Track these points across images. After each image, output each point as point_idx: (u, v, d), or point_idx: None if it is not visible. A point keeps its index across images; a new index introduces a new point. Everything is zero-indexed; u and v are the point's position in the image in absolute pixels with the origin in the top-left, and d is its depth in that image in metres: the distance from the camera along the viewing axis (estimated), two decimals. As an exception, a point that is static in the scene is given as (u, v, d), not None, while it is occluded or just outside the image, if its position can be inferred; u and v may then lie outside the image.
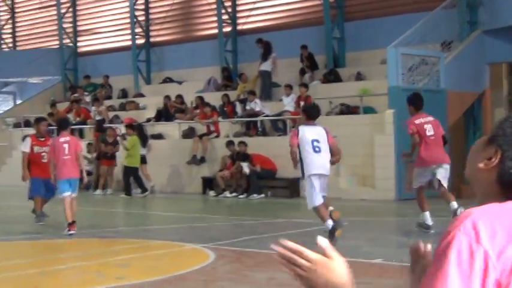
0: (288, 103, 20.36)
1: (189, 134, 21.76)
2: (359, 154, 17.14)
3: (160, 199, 19.57)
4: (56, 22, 31.25)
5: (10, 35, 33.85)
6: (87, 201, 19.36)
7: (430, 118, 11.19)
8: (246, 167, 18.47)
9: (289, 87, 20.65)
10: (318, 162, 10.25)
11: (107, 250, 10.10)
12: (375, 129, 17.52)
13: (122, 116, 24.71)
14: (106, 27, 30.06)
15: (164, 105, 23.26)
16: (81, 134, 24.22)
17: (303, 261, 1.81)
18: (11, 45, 33.80)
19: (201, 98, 22.34)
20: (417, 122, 11.02)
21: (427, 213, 10.89)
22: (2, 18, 33.79)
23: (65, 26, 30.91)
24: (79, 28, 31.05)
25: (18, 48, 33.47)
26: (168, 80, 26.89)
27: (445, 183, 10.92)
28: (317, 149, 10.32)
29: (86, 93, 27.38)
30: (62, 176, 11.80)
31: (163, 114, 23.07)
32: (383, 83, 18.07)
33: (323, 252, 1.82)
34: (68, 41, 31.02)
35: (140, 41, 28.28)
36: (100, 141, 21.83)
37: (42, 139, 13.33)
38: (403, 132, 12.67)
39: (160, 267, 8.64)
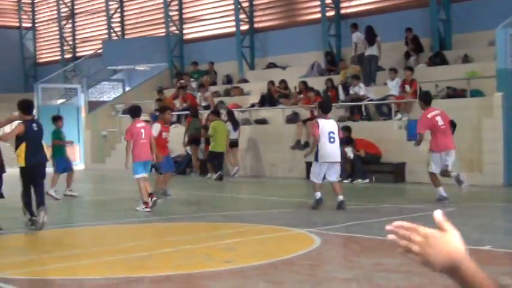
0: (393, 87, 20.09)
1: (292, 119, 21.83)
2: (466, 138, 16.74)
3: (263, 184, 19.75)
4: (163, 10, 31.91)
5: (119, 24, 34.79)
6: (190, 185, 19.77)
7: (438, 111, 13.47)
8: (350, 152, 18.38)
9: (393, 71, 20.37)
10: (333, 152, 12.47)
11: (214, 234, 10.30)
12: (483, 113, 17.08)
13: (226, 101, 25.03)
14: (211, 14, 30.45)
15: (268, 90, 23.41)
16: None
17: (418, 237, 1.80)
18: (119, 33, 34.76)
19: (304, 83, 22.35)
20: (429, 115, 13.24)
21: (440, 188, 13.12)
22: (111, 7, 34.76)
23: (171, 14, 31.52)
24: (185, 16, 31.59)
25: (126, 37, 34.39)
26: (271, 65, 27.01)
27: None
28: (332, 139, 12.44)
29: (192, 79, 27.87)
30: (139, 159, 12.99)
31: (267, 100, 23.22)
32: (491, 65, 17.58)
33: (438, 226, 1.81)
34: (174, 28, 31.63)
35: (244, 27, 28.51)
36: (192, 127, 22.27)
37: (167, 125, 15.03)
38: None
39: (267, 251, 8.74)
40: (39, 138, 11.05)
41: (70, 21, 37.59)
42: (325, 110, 12.91)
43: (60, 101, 32.30)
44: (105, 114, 29.59)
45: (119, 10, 34.61)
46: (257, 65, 28.30)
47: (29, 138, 10.74)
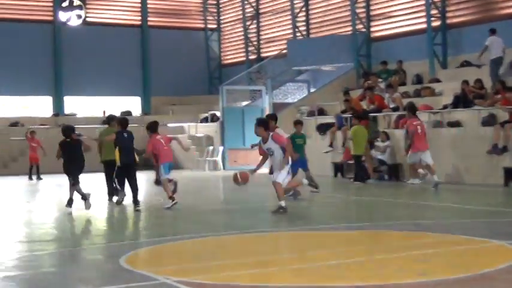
0: None
1: (489, 121, 21.06)
2: None
3: (457, 191, 19.23)
4: (349, 8, 31.94)
5: (304, 23, 35.23)
6: (380, 191, 19.62)
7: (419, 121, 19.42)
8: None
9: None
10: None
11: (406, 243, 10.16)
12: None
13: (416, 102, 24.62)
14: (400, 10, 30.11)
15: (462, 90, 22.74)
16: (375, 122, 24.42)
17: None
18: (304, 33, 35.19)
19: (502, 83, 21.53)
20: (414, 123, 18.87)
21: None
22: (296, 6, 35.27)
23: (357, 11, 31.50)
24: (372, 13, 31.44)
25: (311, 36, 34.76)
26: (465, 64, 26.25)
27: None
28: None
29: (380, 79, 27.61)
30: (164, 161, 15.81)
31: (461, 100, 22.56)
32: None
33: None
34: (360, 26, 31.58)
35: (436, 23, 27.95)
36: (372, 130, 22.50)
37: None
38: None
39: (464, 264, 8.50)
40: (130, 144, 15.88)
41: (255, 21, 38.55)
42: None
43: (244, 103, 33.21)
44: (290, 116, 30.01)
45: (304, 9, 35.04)
46: (450, 64, 27.62)
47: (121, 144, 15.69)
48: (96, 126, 32.62)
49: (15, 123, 34.16)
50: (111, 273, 8.45)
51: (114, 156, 15.93)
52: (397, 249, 9.60)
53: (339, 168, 25.01)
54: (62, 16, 37.15)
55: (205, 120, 35.15)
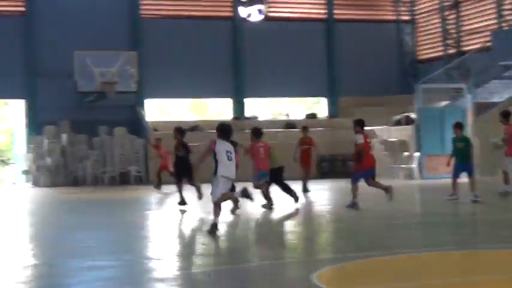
0: None
1: None
2: None
3: None
4: None
5: (511, 11, 34.04)
6: None
7: None
8: None
9: None
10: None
11: None
12: None
13: None
14: None
15: None
16: None
17: None
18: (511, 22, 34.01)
19: None
20: None
21: None
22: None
23: None
24: None
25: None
26: None
27: None
28: (230, 158, 13.47)
29: None
30: (259, 170, 18.08)
31: None
32: None
33: None
34: None
35: None
36: None
37: None
38: None
39: None
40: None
41: (454, 10, 37.67)
42: (222, 135, 13.57)
43: (443, 103, 32.51)
44: (496, 117, 28.97)
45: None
46: None
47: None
48: (278, 130, 33.12)
49: (194, 127, 35.16)
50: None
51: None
52: None
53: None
54: (242, 12, 37.95)
55: (398, 123, 34.64)
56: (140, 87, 35.00)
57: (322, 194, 23.70)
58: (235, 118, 37.00)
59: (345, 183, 21.37)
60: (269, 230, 15.42)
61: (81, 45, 33.75)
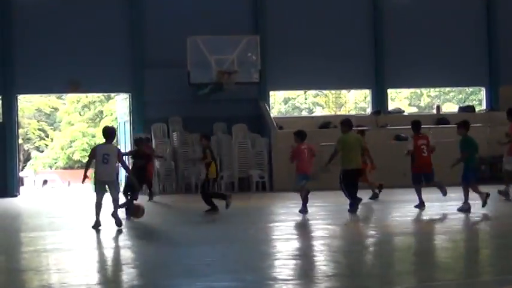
0: None
1: None
2: None
3: None
4: None
5: None
6: None
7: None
8: None
9: None
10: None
11: None
12: None
13: None
14: None
15: None
16: None
17: None
18: None
19: None
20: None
21: None
22: None
23: None
24: None
25: None
26: None
27: None
28: (105, 160, 17.35)
29: None
30: (301, 172, 20.83)
31: None
32: None
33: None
34: None
35: None
36: None
37: None
38: None
39: None
40: None
41: None
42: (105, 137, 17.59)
43: None
44: None
45: None
46: None
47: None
48: (429, 126, 32.21)
49: (326, 124, 34.73)
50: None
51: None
52: None
53: None
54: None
55: None
56: (263, 77, 34.60)
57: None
58: (375, 113, 36.31)
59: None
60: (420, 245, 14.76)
61: (194, 29, 33.66)
